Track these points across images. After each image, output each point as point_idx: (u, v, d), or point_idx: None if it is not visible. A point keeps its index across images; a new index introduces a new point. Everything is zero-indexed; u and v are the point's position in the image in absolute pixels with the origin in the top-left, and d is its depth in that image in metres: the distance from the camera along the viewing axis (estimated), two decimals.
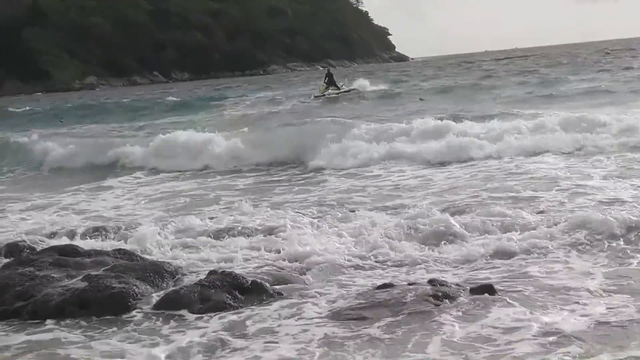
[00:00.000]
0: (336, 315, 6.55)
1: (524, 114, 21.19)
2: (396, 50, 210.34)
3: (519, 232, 8.90)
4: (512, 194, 11.35)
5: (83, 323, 6.95)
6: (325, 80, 42.77)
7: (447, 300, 6.61)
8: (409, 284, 7.18)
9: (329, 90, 42.02)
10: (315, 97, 42.00)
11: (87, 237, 10.61)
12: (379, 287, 7.16)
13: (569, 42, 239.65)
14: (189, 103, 48.45)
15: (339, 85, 42.39)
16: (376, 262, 8.39)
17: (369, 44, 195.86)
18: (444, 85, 44.72)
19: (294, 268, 8.33)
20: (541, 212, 9.96)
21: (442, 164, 15.71)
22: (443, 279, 7.31)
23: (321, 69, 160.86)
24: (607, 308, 6.24)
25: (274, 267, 8.39)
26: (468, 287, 6.97)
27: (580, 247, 8.22)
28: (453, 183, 13.19)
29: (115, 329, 6.79)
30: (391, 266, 8.23)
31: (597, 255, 7.91)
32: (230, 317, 6.84)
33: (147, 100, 55.65)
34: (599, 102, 27.20)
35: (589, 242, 8.32)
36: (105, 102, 57.48)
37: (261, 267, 8.43)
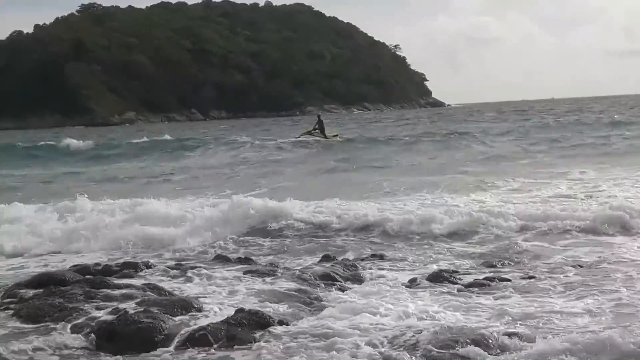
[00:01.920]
0: None
1: None
2: (432, 96, 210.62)
3: None
4: None
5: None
6: (315, 126, 43.51)
7: None
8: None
9: (311, 134, 42.88)
10: (296, 138, 43.75)
11: None
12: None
13: (606, 95, 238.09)
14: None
15: (326, 134, 42.84)
16: None
17: (406, 89, 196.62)
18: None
19: None
20: None
21: None
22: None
23: (356, 112, 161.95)
24: None
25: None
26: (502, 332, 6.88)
27: None
28: None
29: None
30: None
31: None
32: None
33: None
34: None
35: None
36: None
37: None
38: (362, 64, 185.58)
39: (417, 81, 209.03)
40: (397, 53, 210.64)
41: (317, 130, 43.04)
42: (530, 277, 9.48)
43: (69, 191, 20.53)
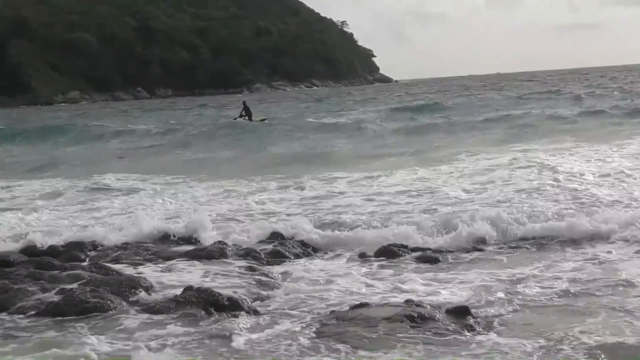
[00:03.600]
0: (312, 335, 6.52)
1: None
2: (380, 72, 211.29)
3: None
4: None
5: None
6: (242, 112, 43.51)
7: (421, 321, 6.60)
8: (384, 304, 7.19)
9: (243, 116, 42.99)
10: (233, 119, 43.43)
11: None
12: (355, 307, 7.16)
13: (547, 69, 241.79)
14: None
15: (252, 118, 42.89)
16: None
17: (354, 65, 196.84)
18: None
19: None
20: None
21: None
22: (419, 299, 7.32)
23: (305, 88, 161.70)
24: None
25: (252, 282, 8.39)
26: (444, 308, 6.98)
27: None
28: None
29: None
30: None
31: None
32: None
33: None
34: None
35: None
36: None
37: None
38: (310, 41, 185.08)
39: (365, 57, 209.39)
40: (345, 29, 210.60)
41: (244, 117, 42.87)
42: None
43: None
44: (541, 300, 7.38)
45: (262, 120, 43.08)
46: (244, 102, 45.57)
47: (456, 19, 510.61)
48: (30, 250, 10.41)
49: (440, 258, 9.43)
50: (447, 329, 6.46)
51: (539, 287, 7.81)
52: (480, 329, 6.49)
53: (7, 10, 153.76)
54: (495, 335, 6.36)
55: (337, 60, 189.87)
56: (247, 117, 42.83)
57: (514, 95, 54.95)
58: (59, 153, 31.58)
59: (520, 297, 7.48)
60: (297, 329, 6.70)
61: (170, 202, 15.03)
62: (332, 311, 7.15)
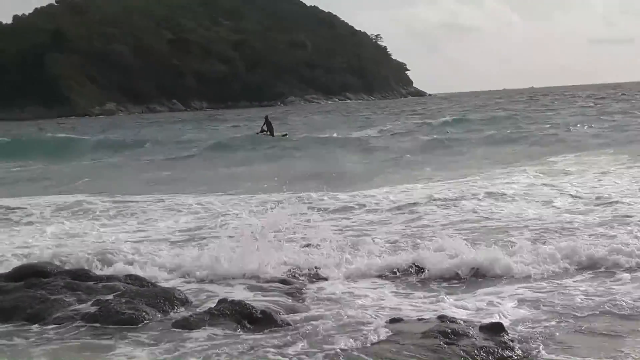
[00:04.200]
0: (345, 351, 6.51)
1: None
2: (414, 85, 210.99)
3: None
4: None
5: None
6: (263, 126, 43.44)
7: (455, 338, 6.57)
8: (419, 319, 7.17)
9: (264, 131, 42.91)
10: (255, 133, 43.58)
11: None
12: (390, 322, 7.15)
13: (584, 83, 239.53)
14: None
15: (274, 134, 42.85)
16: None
17: (387, 79, 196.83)
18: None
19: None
20: None
21: None
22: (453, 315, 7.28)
23: (338, 101, 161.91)
24: None
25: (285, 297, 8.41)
26: (477, 325, 6.94)
27: None
28: None
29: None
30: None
31: None
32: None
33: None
34: None
35: None
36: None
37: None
38: (344, 54, 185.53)
39: (398, 71, 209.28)
40: (379, 43, 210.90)
41: (265, 132, 42.80)
42: None
43: None
44: (582, 319, 7.30)
45: (284, 135, 42.98)
46: (266, 117, 45.43)
47: (490, 33, 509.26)
48: (67, 261, 10.53)
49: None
50: (482, 346, 6.42)
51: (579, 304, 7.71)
52: (515, 346, 6.44)
53: (45, 22, 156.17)
54: (529, 353, 6.32)
55: (371, 73, 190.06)
56: (268, 132, 42.74)
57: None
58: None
59: (557, 314, 7.40)
60: (330, 344, 6.69)
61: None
62: (366, 327, 7.13)
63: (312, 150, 34.02)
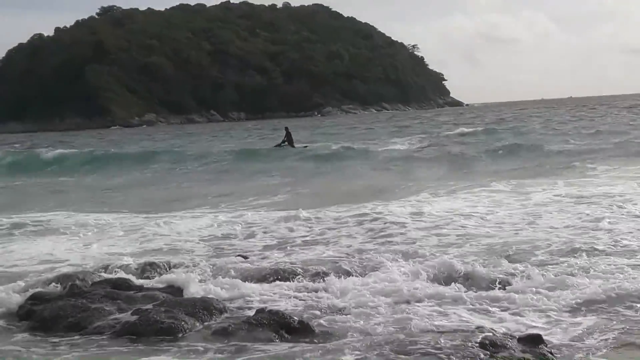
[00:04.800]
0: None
1: None
2: (451, 95, 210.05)
3: None
4: None
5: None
6: (284, 139, 43.11)
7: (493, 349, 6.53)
8: (456, 330, 7.14)
9: (281, 148, 42.37)
10: (275, 146, 42.92)
11: None
12: (425, 333, 7.12)
13: (623, 93, 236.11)
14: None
15: (294, 145, 42.51)
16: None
17: (424, 89, 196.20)
18: None
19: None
20: None
21: None
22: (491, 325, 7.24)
23: (375, 111, 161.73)
24: None
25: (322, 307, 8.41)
26: (516, 336, 6.89)
27: None
28: None
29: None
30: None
31: None
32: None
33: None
34: None
35: None
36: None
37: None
38: (381, 64, 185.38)
39: (435, 81, 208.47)
40: (415, 53, 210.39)
41: (286, 143, 42.57)
42: None
43: None
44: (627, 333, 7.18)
45: (305, 147, 42.68)
46: (287, 128, 45.07)
47: (528, 43, 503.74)
48: (107, 270, 10.66)
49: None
50: (520, 358, 6.37)
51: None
52: (555, 358, 6.40)
53: (86, 35, 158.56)
54: None
55: (408, 83, 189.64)
56: (287, 143, 42.43)
57: None
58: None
59: (593, 327, 7.32)
60: (366, 354, 6.68)
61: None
62: (402, 337, 7.11)
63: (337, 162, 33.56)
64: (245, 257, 11.29)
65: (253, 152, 40.89)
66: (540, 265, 9.93)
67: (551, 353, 6.49)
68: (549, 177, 21.73)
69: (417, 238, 12.64)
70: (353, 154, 36.36)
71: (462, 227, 13.45)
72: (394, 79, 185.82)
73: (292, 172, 29.54)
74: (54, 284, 9.65)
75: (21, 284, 9.95)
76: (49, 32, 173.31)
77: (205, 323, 7.82)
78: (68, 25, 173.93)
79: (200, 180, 28.90)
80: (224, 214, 16.99)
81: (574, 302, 8.18)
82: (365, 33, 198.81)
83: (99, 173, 34.83)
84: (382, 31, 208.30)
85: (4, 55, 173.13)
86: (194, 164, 36.31)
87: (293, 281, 9.63)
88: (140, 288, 9.26)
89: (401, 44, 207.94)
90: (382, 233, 13.30)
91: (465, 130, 49.06)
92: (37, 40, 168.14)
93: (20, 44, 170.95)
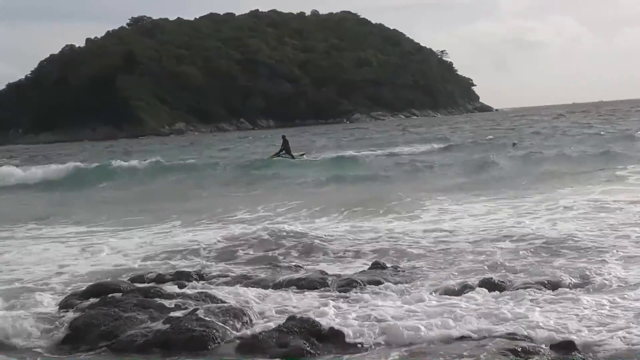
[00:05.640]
0: None
1: None
2: (480, 100, 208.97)
3: None
4: None
5: None
6: (282, 147, 42.16)
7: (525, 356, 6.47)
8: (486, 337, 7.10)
9: (280, 157, 41.52)
10: (270, 157, 41.64)
11: None
12: (456, 340, 7.09)
13: None
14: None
15: (292, 154, 41.93)
16: None
17: (453, 95, 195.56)
18: None
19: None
20: None
21: None
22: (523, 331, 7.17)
23: (404, 117, 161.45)
24: None
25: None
26: (549, 342, 6.83)
27: None
28: None
29: None
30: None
31: None
32: None
33: None
34: None
35: None
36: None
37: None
38: (409, 71, 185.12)
39: (464, 86, 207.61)
40: (444, 59, 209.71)
41: (284, 152, 42.03)
42: None
43: None
44: None
45: (301, 155, 42.24)
46: (284, 137, 44.49)
47: (557, 47, 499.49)
48: (139, 279, 10.76)
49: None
50: None
51: None
52: None
53: (116, 45, 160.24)
54: None
55: (437, 89, 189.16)
56: (284, 152, 41.70)
57: None
58: None
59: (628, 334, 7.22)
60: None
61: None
62: (431, 344, 7.09)
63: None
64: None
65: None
66: None
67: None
68: None
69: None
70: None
71: None
72: (423, 85, 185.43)
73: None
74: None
75: (54, 292, 10.09)
76: (80, 42, 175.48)
77: (237, 331, 7.85)
78: (99, 36, 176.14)
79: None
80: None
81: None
82: (393, 39, 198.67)
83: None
84: (411, 37, 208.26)
85: (35, 66, 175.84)
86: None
87: (324, 290, 9.66)
88: (172, 296, 9.31)
89: (430, 50, 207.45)
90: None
91: None
92: (69, 51, 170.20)
93: (52, 55, 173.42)
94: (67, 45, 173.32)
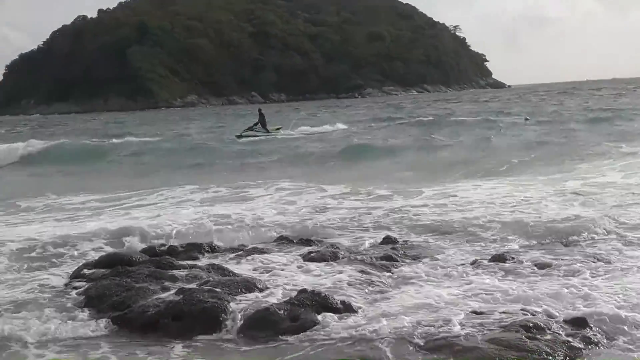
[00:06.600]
0: (422, 345, 6.48)
1: None
2: (493, 77, 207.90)
3: None
4: None
5: None
6: (257, 121, 41.73)
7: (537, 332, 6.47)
8: (500, 312, 7.10)
9: (254, 130, 40.86)
10: (236, 136, 40.73)
11: None
12: (468, 314, 7.09)
13: None
14: None
15: (268, 128, 41.28)
16: None
17: (466, 70, 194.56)
18: None
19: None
20: None
21: None
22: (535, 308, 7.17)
23: (416, 92, 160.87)
24: None
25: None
26: (561, 318, 6.83)
27: None
28: None
29: None
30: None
31: None
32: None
33: None
34: None
35: None
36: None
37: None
38: (422, 46, 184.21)
39: (477, 62, 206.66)
40: (457, 34, 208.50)
41: (258, 125, 41.33)
42: None
43: None
44: None
45: (277, 129, 41.96)
46: (260, 110, 44.01)
47: (571, 23, 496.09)
48: (151, 250, 10.80)
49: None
50: (564, 341, 6.31)
51: None
52: (600, 341, 6.33)
53: (128, 16, 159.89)
54: (614, 348, 6.19)
55: (449, 65, 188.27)
56: (255, 126, 41.22)
57: None
58: None
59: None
60: (406, 337, 6.68)
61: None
62: (444, 319, 7.09)
63: None
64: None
65: None
66: None
67: (596, 336, 6.42)
68: None
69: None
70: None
71: None
72: (435, 60, 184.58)
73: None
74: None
75: (67, 262, 10.18)
76: (92, 13, 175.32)
77: (248, 303, 7.87)
78: (111, 7, 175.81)
79: None
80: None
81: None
82: (406, 14, 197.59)
83: None
84: (424, 12, 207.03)
85: (48, 37, 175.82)
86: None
87: (336, 263, 9.67)
88: (184, 268, 9.35)
89: (443, 25, 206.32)
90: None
91: None
92: (81, 22, 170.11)
93: (64, 26, 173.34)
94: (79, 16, 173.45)
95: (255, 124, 41.81)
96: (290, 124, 44.70)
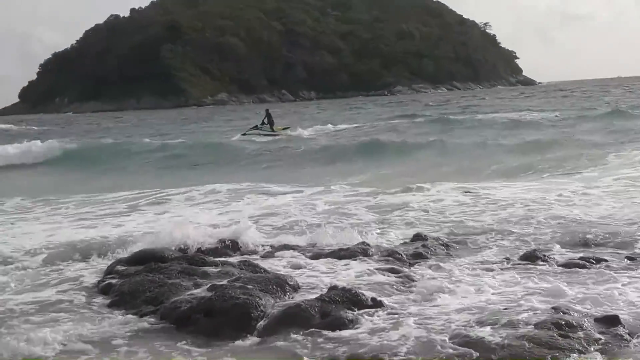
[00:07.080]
0: (448, 342, 6.49)
1: None
2: (524, 74, 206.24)
3: None
4: None
5: None
6: (264, 120, 41.32)
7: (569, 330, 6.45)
8: (531, 310, 7.07)
9: (259, 130, 40.47)
10: (242, 134, 40.66)
11: None
12: (497, 313, 7.07)
13: None
14: None
15: (274, 128, 40.65)
16: None
17: (495, 67, 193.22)
18: None
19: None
20: None
21: None
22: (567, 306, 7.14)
23: (446, 90, 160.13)
24: None
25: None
26: (593, 317, 6.79)
27: None
28: None
29: None
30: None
31: None
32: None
33: None
34: None
35: None
36: None
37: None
38: (452, 43, 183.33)
39: (507, 59, 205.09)
40: (487, 31, 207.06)
41: (265, 125, 40.89)
42: None
43: None
44: None
45: (284, 129, 41.50)
46: (267, 110, 43.60)
47: (603, 20, 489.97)
48: (183, 248, 10.88)
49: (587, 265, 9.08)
50: (596, 339, 6.28)
51: None
52: (632, 340, 6.29)
53: (160, 15, 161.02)
54: None
55: (479, 62, 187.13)
56: (262, 126, 40.83)
57: None
58: None
59: None
60: (434, 334, 6.69)
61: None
62: (475, 317, 7.08)
63: None
64: None
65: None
66: None
67: (629, 334, 6.39)
68: None
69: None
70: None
71: None
72: (465, 58, 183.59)
73: None
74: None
75: (100, 259, 10.32)
76: (124, 12, 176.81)
77: (279, 300, 7.92)
78: (143, 6, 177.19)
79: None
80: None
81: None
82: (436, 12, 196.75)
83: None
84: (453, 9, 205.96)
85: (81, 35, 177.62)
86: None
87: (365, 261, 9.70)
88: (216, 264, 9.43)
89: (473, 22, 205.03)
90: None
91: None
92: (113, 21, 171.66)
93: (97, 25, 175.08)
94: (111, 15, 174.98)
95: (262, 124, 41.63)
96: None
